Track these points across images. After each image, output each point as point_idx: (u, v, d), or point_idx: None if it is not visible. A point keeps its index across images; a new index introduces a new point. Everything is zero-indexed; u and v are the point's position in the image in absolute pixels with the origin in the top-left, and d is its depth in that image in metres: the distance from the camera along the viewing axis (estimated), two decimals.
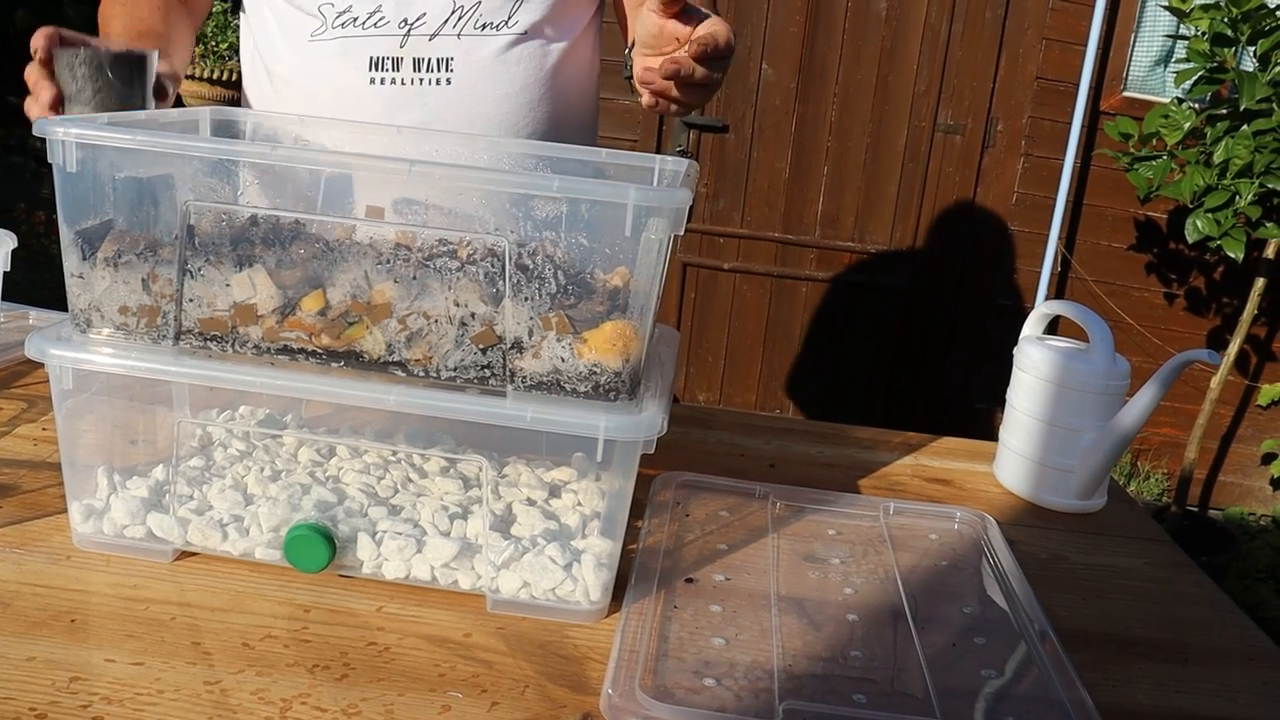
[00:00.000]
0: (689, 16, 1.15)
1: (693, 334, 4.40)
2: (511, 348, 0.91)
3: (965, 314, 4.33)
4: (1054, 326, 3.38)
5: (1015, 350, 1.39)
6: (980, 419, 4.33)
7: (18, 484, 1.12)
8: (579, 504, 1.06)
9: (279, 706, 0.80)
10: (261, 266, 0.92)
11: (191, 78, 4.59)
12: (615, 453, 0.94)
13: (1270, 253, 3.70)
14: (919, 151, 4.22)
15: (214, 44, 4.45)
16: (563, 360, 0.91)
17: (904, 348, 4.39)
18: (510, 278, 0.89)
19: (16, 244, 1.30)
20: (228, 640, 0.88)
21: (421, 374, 0.92)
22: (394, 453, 1.11)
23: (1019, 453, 1.37)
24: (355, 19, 1.39)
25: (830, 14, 4.13)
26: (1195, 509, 4.41)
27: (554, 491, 1.09)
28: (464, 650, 0.90)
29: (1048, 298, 4.11)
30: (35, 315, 1.63)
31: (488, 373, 0.92)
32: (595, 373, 0.91)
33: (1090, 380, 1.31)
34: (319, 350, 0.93)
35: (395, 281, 0.91)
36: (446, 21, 1.38)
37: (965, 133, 4.22)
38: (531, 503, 1.05)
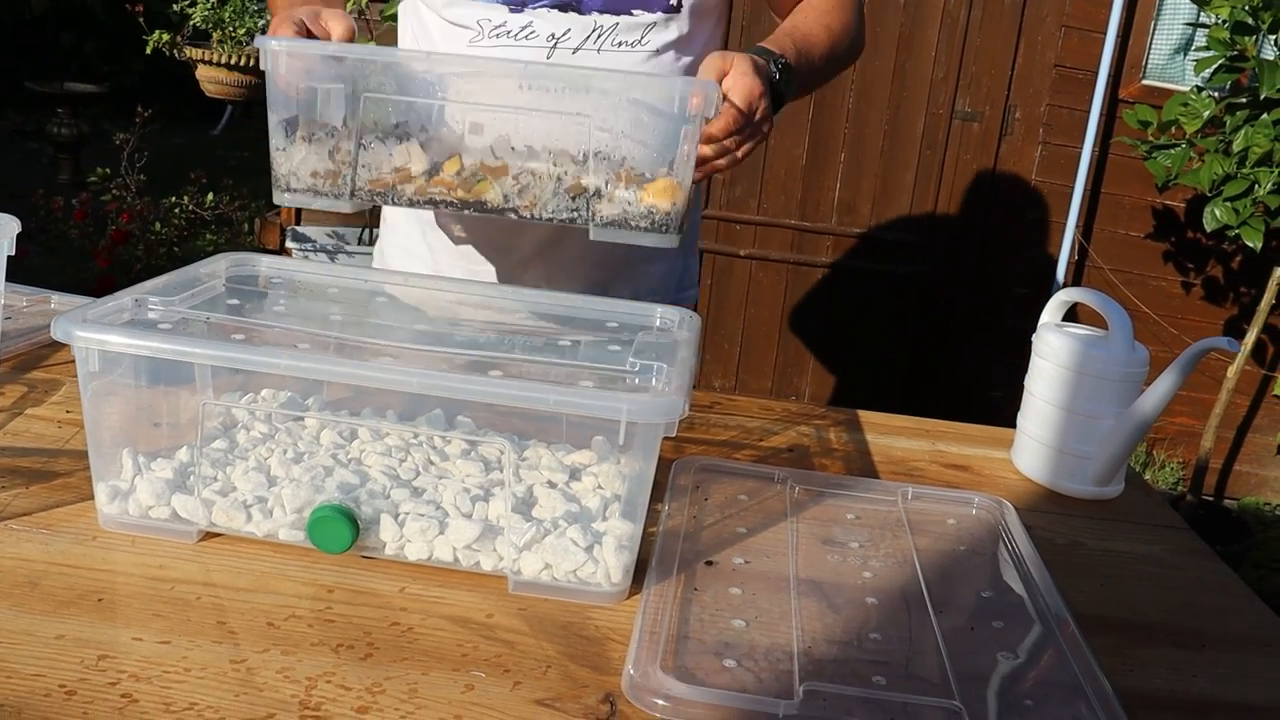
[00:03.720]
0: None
1: (709, 320, 4.40)
2: (593, 195, 1.21)
3: (982, 302, 4.33)
4: (1072, 315, 3.37)
5: (1034, 337, 1.40)
6: (997, 407, 4.32)
7: (43, 466, 1.13)
8: (599, 487, 1.07)
9: (304, 685, 0.81)
10: (415, 140, 1.25)
11: (209, 63, 4.59)
12: (636, 435, 0.94)
13: None
14: (936, 139, 4.21)
15: (232, 29, 4.45)
16: (629, 204, 1.21)
17: (920, 335, 4.39)
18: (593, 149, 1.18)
19: (20, 228, 1.32)
20: (253, 620, 0.89)
21: (529, 217, 1.24)
22: (415, 435, 1.11)
23: (1037, 439, 1.37)
24: (509, 31, 1.54)
25: None
26: (1211, 498, 4.41)
27: (574, 474, 1.10)
28: (486, 630, 0.91)
29: (1065, 286, 4.10)
30: (57, 299, 1.63)
31: (576, 215, 1.23)
32: (652, 213, 1.21)
33: (1109, 367, 1.31)
34: (455, 201, 1.24)
35: (512, 149, 1.23)
36: (588, 38, 1.53)
37: (983, 120, 4.21)
38: (552, 485, 1.06)
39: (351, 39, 1.38)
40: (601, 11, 1.52)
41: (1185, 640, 1.03)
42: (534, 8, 1.52)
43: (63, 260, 4.99)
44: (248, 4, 4.53)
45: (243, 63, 4.53)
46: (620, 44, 1.53)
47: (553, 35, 1.52)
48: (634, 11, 1.53)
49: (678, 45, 1.57)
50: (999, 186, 4.26)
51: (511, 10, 1.53)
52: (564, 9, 1.52)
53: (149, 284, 1.11)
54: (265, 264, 1.27)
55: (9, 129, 8.47)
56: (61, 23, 8.74)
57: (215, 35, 4.53)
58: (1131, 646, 1.01)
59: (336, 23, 1.35)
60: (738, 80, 1.30)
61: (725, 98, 1.29)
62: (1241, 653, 1.02)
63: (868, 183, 4.26)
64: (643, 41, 1.54)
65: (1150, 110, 3.69)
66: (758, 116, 1.32)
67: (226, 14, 4.45)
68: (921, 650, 0.93)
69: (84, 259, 4.95)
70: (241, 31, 4.47)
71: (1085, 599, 1.08)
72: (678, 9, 1.55)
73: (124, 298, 1.06)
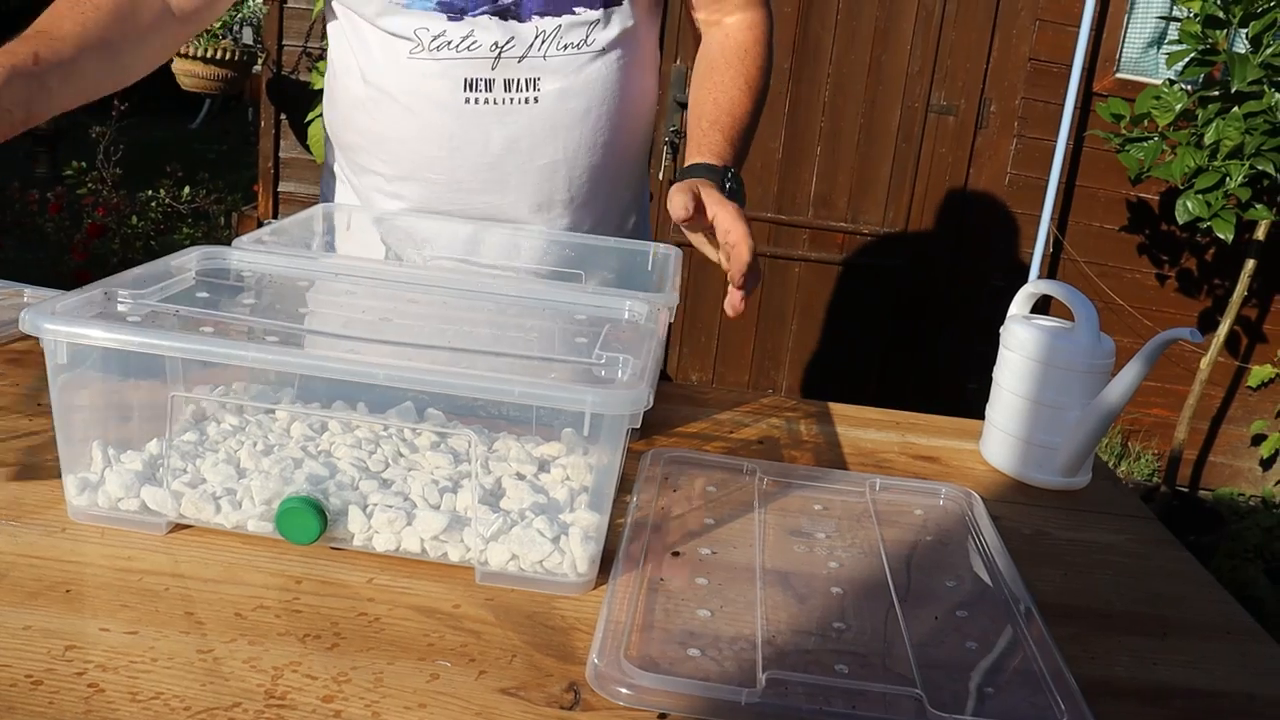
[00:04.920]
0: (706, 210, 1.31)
1: (686, 313, 4.41)
2: None
3: (957, 294, 4.35)
4: (1045, 307, 3.40)
5: (1001, 329, 1.41)
6: (972, 398, 4.35)
7: (13, 459, 1.13)
8: (567, 478, 1.08)
9: (270, 674, 0.82)
10: None
11: (185, 56, 4.57)
12: (602, 427, 0.95)
13: (1260, 234, 3.72)
14: (912, 132, 4.23)
15: None
16: None
17: (896, 328, 4.41)
18: None
19: None
20: (220, 610, 0.89)
21: None
22: (385, 427, 1.12)
23: (1005, 430, 1.39)
24: (450, 42, 1.50)
25: None
26: (1185, 489, 4.44)
27: (543, 466, 1.10)
28: (453, 621, 0.91)
29: (1040, 278, 4.12)
30: (30, 293, 1.63)
31: None
32: None
33: (1075, 358, 1.32)
34: None
35: None
36: (532, 45, 1.51)
37: (958, 113, 4.23)
38: (521, 477, 1.07)
39: None
40: (542, 15, 1.50)
41: (1147, 628, 1.04)
42: (474, 15, 1.49)
43: (39, 254, 4.97)
44: None
45: (219, 56, 4.52)
46: (566, 47, 1.51)
47: (496, 45, 1.49)
48: (576, 10, 1.51)
49: (623, 42, 1.56)
50: (974, 179, 4.28)
51: (450, 18, 1.49)
52: (503, 16, 1.49)
53: (119, 277, 1.11)
54: (236, 257, 1.27)
55: None
56: (37, 15, 8.69)
57: None
58: (1094, 634, 1.02)
59: None
60: (718, 209, 1.30)
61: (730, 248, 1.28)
62: (1202, 640, 1.03)
63: (844, 176, 4.28)
64: (588, 42, 1.52)
65: (1123, 103, 3.72)
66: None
67: None
68: (887, 639, 0.94)
69: (60, 253, 4.93)
70: (218, 25, 4.45)
71: (1049, 588, 1.10)
72: (618, 1, 1.53)
73: (94, 291, 1.06)
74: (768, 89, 1.62)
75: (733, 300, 1.29)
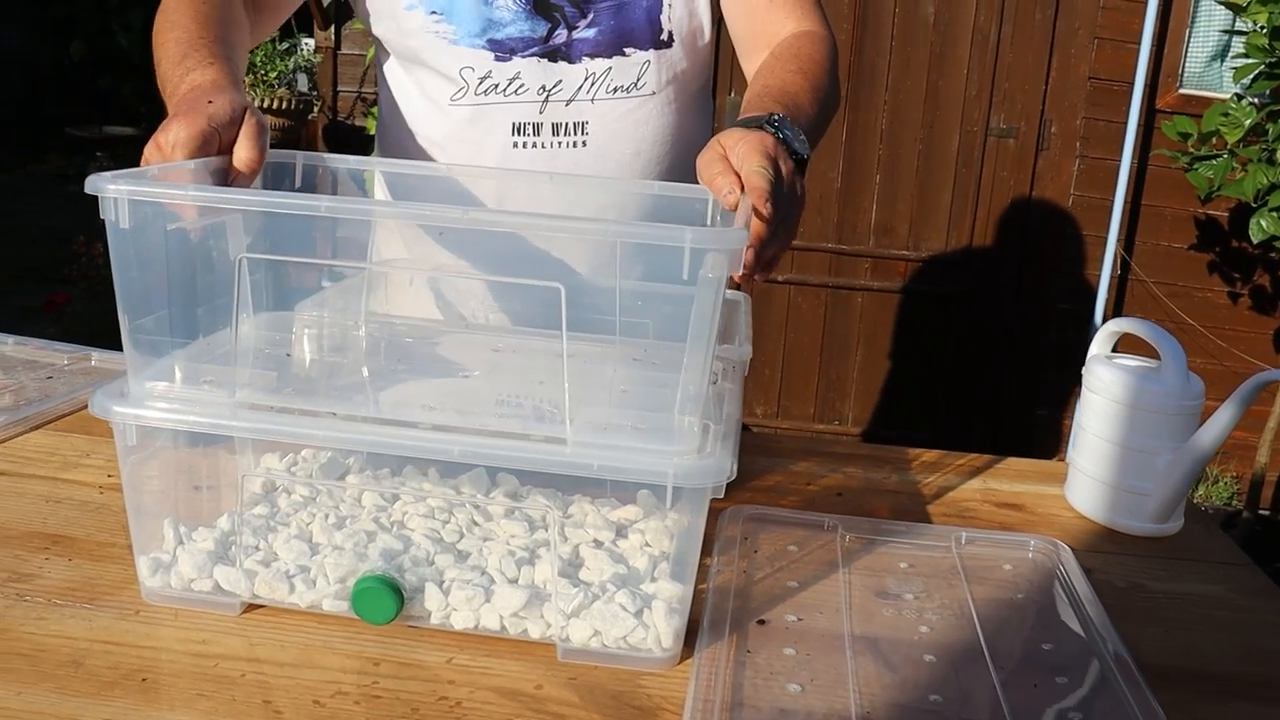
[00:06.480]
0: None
1: None
2: None
3: (1024, 319, 4.28)
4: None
5: (1084, 370, 1.36)
6: (1042, 426, 4.27)
7: (86, 535, 1.12)
8: (646, 544, 1.05)
9: None
10: None
11: None
12: (684, 495, 0.92)
13: None
14: (972, 156, 4.18)
15: (263, 73, 4.48)
16: None
17: (963, 355, 4.35)
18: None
19: None
20: (298, 698, 0.87)
21: None
22: (458, 494, 1.10)
23: (1091, 475, 1.34)
24: (496, 85, 1.47)
25: (878, 20, 4.10)
26: (1267, 513, 4.33)
27: (620, 531, 1.07)
28: (536, 703, 0.89)
29: (1108, 300, 4.05)
30: (98, 356, 1.63)
31: None
32: None
33: (1163, 401, 1.28)
34: None
35: None
36: (580, 88, 1.48)
37: (1018, 136, 4.17)
38: (599, 544, 1.04)
39: (259, 166, 1.09)
40: (593, 57, 1.47)
41: (1258, 692, 0.99)
42: (523, 56, 1.46)
43: (106, 306, 5.00)
44: (277, 47, 4.55)
45: (274, 105, 4.55)
46: (615, 90, 1.48)
47: (544, 88, 1.47)
48: (626, 51, 1.47)
49: (674, 83, 1.52)
50: (1037, 202, 4.22)
51: (498, 58, 1.46)
52: (552, 58, 1.46)
53: (185, 350, 1.10)
54: (299, 320, 1.26)
55: (51, 174, 8.55)
56: (98, 68, 8.86)
57: (247, 79, 4.55)
58: (1202, 701, 0.97)
59: (248, 144, 1.08)
60: (738, 146, 1.10)
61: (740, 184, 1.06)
62: None
63: (904, 203, 4.23)
64: (639, 85, 1.49)
65: (1189, 121, 3.65)
66: (784, 171, 1.09)
67: (257, 58, 4.48)
68: (984, 713, 0.90)
69: None
70: (273, 75, 4.49)
71: (1149, 648, 1.05)
72: (669, 43, 1.49)
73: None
74: (835, 95, 1.40)
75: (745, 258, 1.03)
